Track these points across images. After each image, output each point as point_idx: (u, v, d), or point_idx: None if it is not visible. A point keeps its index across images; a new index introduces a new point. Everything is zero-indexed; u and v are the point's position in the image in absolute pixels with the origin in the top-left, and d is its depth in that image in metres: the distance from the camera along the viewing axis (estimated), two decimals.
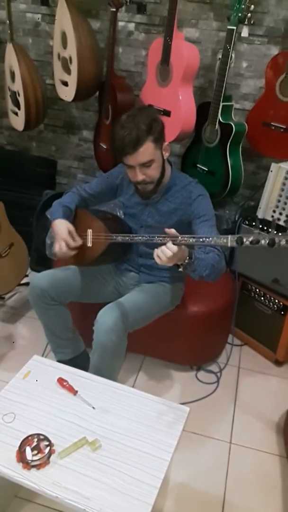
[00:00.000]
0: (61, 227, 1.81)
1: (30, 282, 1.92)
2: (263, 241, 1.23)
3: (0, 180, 2.97)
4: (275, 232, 2.09)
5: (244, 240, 1.26)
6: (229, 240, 1.30)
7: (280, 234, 1.21)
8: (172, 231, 1.41)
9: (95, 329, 1.72)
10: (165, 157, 1.73)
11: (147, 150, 1.61)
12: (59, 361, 1.99)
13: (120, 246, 1.89)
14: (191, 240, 1.37)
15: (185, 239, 1.38)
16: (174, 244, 1.38)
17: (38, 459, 1.25)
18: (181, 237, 1.39)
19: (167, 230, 1.42)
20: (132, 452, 1.32)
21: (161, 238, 1.44)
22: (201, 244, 1.37)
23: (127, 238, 1.65)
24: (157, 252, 1.41)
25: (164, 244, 1.41)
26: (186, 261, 1.48)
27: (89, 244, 1.82)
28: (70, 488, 1.20)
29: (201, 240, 1.37)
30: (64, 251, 1.78)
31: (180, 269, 1.51)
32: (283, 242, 1.22)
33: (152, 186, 1.73)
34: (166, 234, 1.42)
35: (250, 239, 1.25)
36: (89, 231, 1.83)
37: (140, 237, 1.52)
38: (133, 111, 1.68)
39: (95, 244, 1.81)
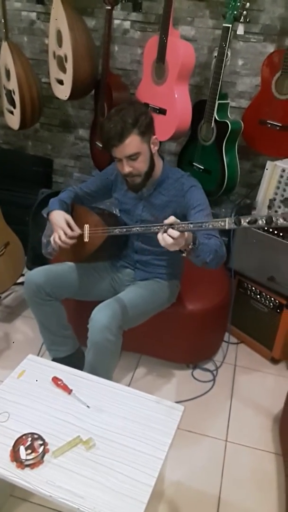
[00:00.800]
0: (59, 217, 1.83)
1: (25, 278, 1.92)
2: (260, 221, 1.22)
3: None
4: (274, 211, 2.08)
5: (242, 221, 1.24)
6: (227, 223, 1.28)
7: (277, 212, 1.19)
8: (171, 218, 1.39)
9: (89, 327, 1.72)
10: (153, 151, 1.73)
11: (132, 143, 1.63)
12: (53, 359, 2.00)
13: (116, 241, 1.89)
14: (190, 226, 1.36)
15: (183, 225, 1.37)
16: (196, 228, 1.35)
17: (32, 458, 1.24)
18: (178, 224, 1.38)
19: (166, 221, 1.40)
20: (126, 451, 1.32)
21: (158, 227, 1.43)
22: (199, 229, 1.36)
23: (124, 229, 1.64)
24: (160, 237, 1.39)
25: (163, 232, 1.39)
26: (190, 246, 1.46)
27: (86, 239, 1.83)
28: (64, 487, 1.20)
29: (198, 225, 1.35)
30: (62, 239, 1.78)
31: (184, 254, 1.50)
32: (280, 220, 1.21)
33: (140, 179, 1.73)
34: (163, 223, 1.40)
35: (248, 219, 1.24)
36: (86, 226, 1.84)
37: (137, 228, 1.52)
38: (121, 105, 1.70)
39: (92, 238, 1.81)
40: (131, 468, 1.27)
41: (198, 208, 1.73)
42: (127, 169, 1.69)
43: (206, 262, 1.57)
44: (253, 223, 1.24)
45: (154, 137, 1.72)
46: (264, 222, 1.22)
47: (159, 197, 1.83)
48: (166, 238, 1.37)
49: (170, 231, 1.36)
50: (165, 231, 1.37)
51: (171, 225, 1.37)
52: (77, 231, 1.82)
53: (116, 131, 1.61)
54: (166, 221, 1.39)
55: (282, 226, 1.22)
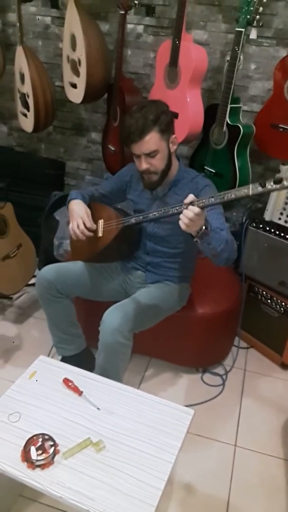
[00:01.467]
0: (79, 207, 1.86)
1: (37, 274, 1.94)
2: (285, 182, 1.20)
3: (9, 181, 2.99)
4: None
5: (266, 183, 1.23)
6: (251, 189, 1.27)
7: None
8: (191, 197, 1.41)
9: (100, 329, 1.73)
10: (172, 150, 1.75)
11: (152, 140, 1.65)
12: (62, 358, 2.01)
13: (128, 239, 1.90)
14: (211, 200, 1.35)
15: (203, 201, 1.37)
16: (218, 200, 1.36)
17: (43, 459, 1.25)
18: (198, 201, 1.39)
19: (185, 200, 1.42)
20: (136, 454, 1.32)
21: (177, 208, 1.45)
22: (222, 201, 1.35)
23: (141, 217, 1.64)
24: (181, 216, 1.41)
25: (180, 212, 1.42)
26: (203, 230, 1.46)
27: (100, 234, 1.85)
28: (74, 489, 1.21)
29: (220, 197, 1.34)
30: (81, 229, 1.80)
31: (196, 240, 1.50)
32: None
33: (156, 177, 1.75)
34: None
35: (272, 180, 1.22)
36: (100, 222, 1.86)
37: (155, 213, 1.53)
38: (143, 103, 1.73)
39: (105, 233, 1.83)
40: (140, 471, 1.27)
41: (211, 206, 1.72)
42: (144, 165, 1.70)
43: (217, 252, 1.55)
44: (279, 182, 1.22)
45: (173, 136, 1.74)
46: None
47: (173, 197, 1.84)
48: (187, 213, 1.38)
49: (191, 207, 1.38)
50: (186, 208, 1.38)
51: (191, 203, 1.38)
52: (94, 226, 1.85)
53: (137, 127, 1.63)
54: (186, 200, 1.41)
55: None
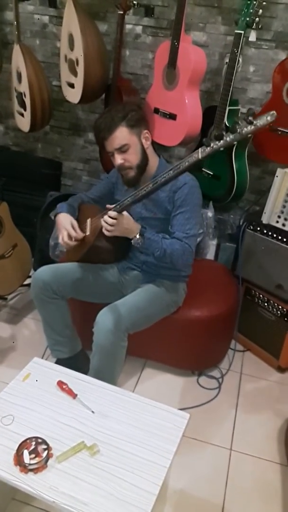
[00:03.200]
0: (64, 220, 1.91)
1: (32, 275, 1.94)
2: (228, 138, 1.28)
3: (5, 181, 2.97)
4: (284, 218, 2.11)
5: (211, 142, 1.31)
6: (200, 152, 1.35)
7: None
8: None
9: (94, 330, 1.72)
10: (145, 145, 1.80)
11: (121, 134, 1.72)
12: (57, 360, 1.99)
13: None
14: (170, 173, 1.45)
15: (164, 176, 1.46)
16: (154, 186, 1.50)
17: (36, 463, 1.23)
18: (160, 177, 1.48)
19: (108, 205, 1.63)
20: (131, 458, 1.30)
21: (145, 189, 1.53)
22: (180, 171, 1.43)
23: (118, 206, 1.65)
24: (102, 223, 1.59)
25: (149, 193, 1.54)
26: (137, 237, 1.65)
27: (88, 232, 1.89)
28: (67, 493, 1.19)
29: (177, 167, 1.43)
30: (65, 240, 1.85)
31: (133, 242, 1.68)
32: (246, 128, 1.25)
33: (133, 172, 1.80)
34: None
35: (215, 138, 1.30)
36: (88, 220, 1.90)
37: (128, 199, 1.59)
38: (114, 105, 1.84)
39: (94, 228, 1.85)
40: (135, 475, 1.25)
41: (180, 209, 1.78)
42: (118, 160, 1.76)
43: (154, 257, 1.74)
44: (220, 138, 1.29)
45: (145, 131, 1.79)
46: (231, 135, 1.27)
47: (157, 193, 1.83)
48: (105, 219, 1.57)
49: (110, 212, 1.56)
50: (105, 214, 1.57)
51: (155, 180, 1.49)
52: (80, 234, 1.88)
53: (106, 124, 1.72)
54: (108, 206, 1.61)
55: (248, 133, 1.26)
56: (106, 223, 1.58)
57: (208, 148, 1.32)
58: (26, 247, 2.51)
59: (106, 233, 1.60)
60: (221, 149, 1.32)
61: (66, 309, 1.97)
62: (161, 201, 1.83)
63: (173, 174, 1.45)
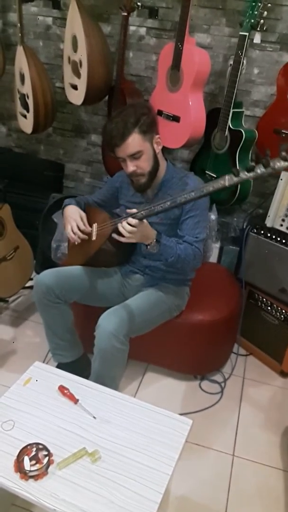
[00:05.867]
0: (73, 211, 1.88)
1: (35, 279, 1.91)
2: (259, 171, 1.25)
3: (8, 183, 2.96)
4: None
5: (240, 172, 1.28)
6: (226, 180, 1.32)
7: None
8: (134, 210, 1.56)
9: (96, 334, 1.71)
10: (157, 150, 1.76)
11: (134, 141, 1.66)
12: (58, 364, 1.98)
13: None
14: (191, 194, 1.42)
15: (185, 196, 1.43)
16: (172, 204, 1.48)
17: (36, 470, 1.22)
18: (182, 197, 1.45)
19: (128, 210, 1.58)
20: (133, 465, 1.29)
21: (161, 205, 1.50)
22: (202, 195, 1.41)
23: (129, 217, 1.62)
24: (119, 229, 1.54)
25: (165, 210, 1.52)
26: (153, 243, 1.62)
27: (94, 238, 1.85)
28: (68, 501, 1.17)
29: (200, 191, 1.41)
30: (75, 231, 1.81)
31: (149, 247, 1.64)
32: (279, 164, 1.24)
33: (144, 178, 1.76)
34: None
35: (245, 169, 1.28)
36: (94, 225, 1.86)
37: (142, 212, 1.55)
38: (123, 107, 1.75)
39: (100, 234, 1.83)
40: (136, 482, 1.24)
41: (190, 213, 1.76)
42: (131, 168, 1.71)
43: (167, 263, 1.72)
44: (251, 171, 1.25)
45: (157, 136, 1.74)
46: (263, 168, 1.23)
47: (164, 198, 1.81)
48: (124, 226, 1.51)
49: (129, 219, 1.51)
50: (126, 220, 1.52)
51: (172, 200, 1.47)
52: (88, 227, 1.84)
53: (118, 131, 1.65)
54: (128, 211, 1.55)
55: (281, 169, 1.25)
56: (125, 229, 1.53)
57: (236, 177, 1.29)
58: (28, 249, 2.50)
59: (123, 239, 1.55)
60: (250, 179, 1.31)
61: (69, 313, 1.95)
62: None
63: (195, 196, 1.42)
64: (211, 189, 1.36)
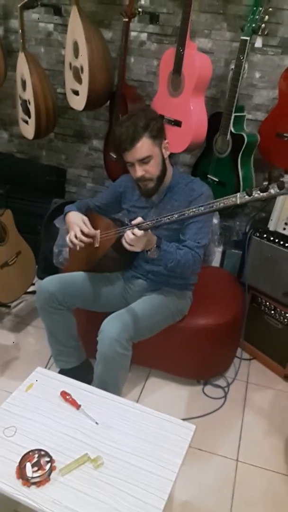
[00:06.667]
0: (76, 217, 1.87)
1: (38, 286, 1.91)
2: (272, 191, 1.22)
3: (10, 188, 2.96)
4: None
5: (253, 192, 1.25)
6: (238, 197, 1.30)
7: None
8: (139, 219, 1.53)
9: (99, 339, 1.70)
10: (165, 155, 1.76)
11: (144, 146, 1.66)
12: (60, 369, 1.97)
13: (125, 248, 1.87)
14: (201, 209, 1.41)
15: (193, 210, 1.42)
16: (180, 217, 1.46)
17: (38, 476, 1.21)
18: (190, 211, 1.43)
19: (133, 222, 1.55)
20: (135, 471, 1.28)
21: (168, 217, 1.49)
22: (211, 210, 1.39)
23: (134, 227, 1.63)
24: (124, 236, 1.53)
25: (171, 223, 1.50)
26: (153, 249, 1.61)
27: (97, 245, 1.84)
28: (71, 508, 1.16)
29: (209, 206, 1.39)
30: (78, 236, 1.79)
31: (149, 253, 1.63)
32: None
33: (152, 183, 1.75)
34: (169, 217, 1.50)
35: (259, 188, 1.24)
36: (97, 232, 1.85)
37: (148, 223, 1.53)
38: (133, 112, 1.74)
39: (103, 242, 1.82)
40: (139, 489, 1.23)
41: (194, 218, 1.75)
42: (139, 172, 1.70)
43: (167, 267, 1.71)
44: (265, 191, 1.23)
45: (165, 141, 1.74)
46: (277, 189, 1.21)
47: (170, 203, 1.82)
48: (129, 235, 1.50)
49: (135, 230, 1.50)
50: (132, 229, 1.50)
51: (180, 213, 1.46)
52: (92, 231, 1.83)
53: (128, 135, 1.64)
54: (133, 222, 1.53)
55: None
56: (130, 239, 1.52)
57: (248, 196, 1.28)
58: (30, 255, 2.50)
59: (128, 247, 1.54)
60: (263, 199, 1.28)
61: (72, 319, 1.95)
62: (175, 210, 1.80)
63: (204, 211, 1.40)
64: (221, 205, 1.34)
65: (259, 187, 1.24)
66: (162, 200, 1.84)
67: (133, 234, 1.50)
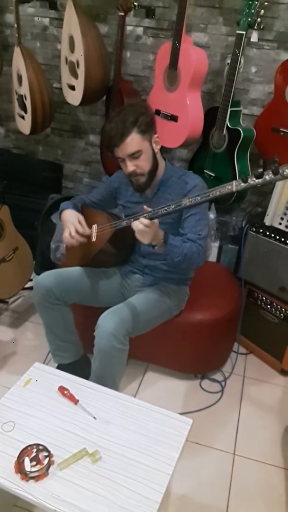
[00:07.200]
0: (71, 215, 1.87)
1: (35, 281, 1.92)
2: (267, 177, 1.24)
3: (6, 184, 2.95)
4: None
5: (249, 178, 1.27)
6: (234, 185, 1.31)
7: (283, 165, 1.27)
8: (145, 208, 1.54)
9: (96, 334, 1.71)
10: (156, 150, 1.76)
11: (133, 141, 1.66)
12: (58, 365, 1.98)
13: (122, 242, 1.88)
14: (197, 198, 1.41)
15: (190, 200, 1.43)
16: (176, 207, 1.48)
17: (37, 471, 1.22)
18: (186, 200, 1.44)
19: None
20: (133, 465, 1.29)
21: (165, 208, 1.50)
22: (208, 199, 1.41)
23: (131, 219, 1.63)
24: (133, 225, 1.52)
25: (168, 214, 1.51)
26: (160, 243, 1.60)
27: (94, 239, 1.85)
28: (69, 501, 1.17)
29: (206, 195, 1.40)
30: (73, 235, 1.79)
31: (156, 248, 1.62)
32: (287, 171, 1.21)
33: (144, 178, 1.76)
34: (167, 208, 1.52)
35: (254, 175, 1.26)
36: (94, 226, 1.86)
37: (145, 215, 1.53)
38: (121, 107, 1.75)
39: (100, 236, 1.83)
40: (137, 482, 1.24)
41: (191, 211, 1.76)
42: (130, 167, 1.71)
43: (173, 262, 1.70)
44: (260, 177, 1.24)
45: (155, 135, 1.74)
46: (272, 175, 1.22)
47: (164, 197, 1.82)
48: (136, 225, 1.49)
49: (141, 219, 1.49)
50: (137, 219, 1.50)
51: (177, 203, 1.48)
52: (88, 230, 1.83)
53: (117, 131, 1.65)
54: (146, 207, 1.52)
55: None
56: (138, 227, 1.51)
57: (244, 183, 1.29)
58: (27, 250, 2.50)
59: (138, 237, 1.53)
60: (258, 186, 1.29)
61: (69, 314, 1.95)
62: None
63: (201, 200, 1.42)
64: (218, 193, 1.35)
65: (254, 173, 1.26)
66: (156, 194, 1.85)
67: (141, 223, 1.49)
